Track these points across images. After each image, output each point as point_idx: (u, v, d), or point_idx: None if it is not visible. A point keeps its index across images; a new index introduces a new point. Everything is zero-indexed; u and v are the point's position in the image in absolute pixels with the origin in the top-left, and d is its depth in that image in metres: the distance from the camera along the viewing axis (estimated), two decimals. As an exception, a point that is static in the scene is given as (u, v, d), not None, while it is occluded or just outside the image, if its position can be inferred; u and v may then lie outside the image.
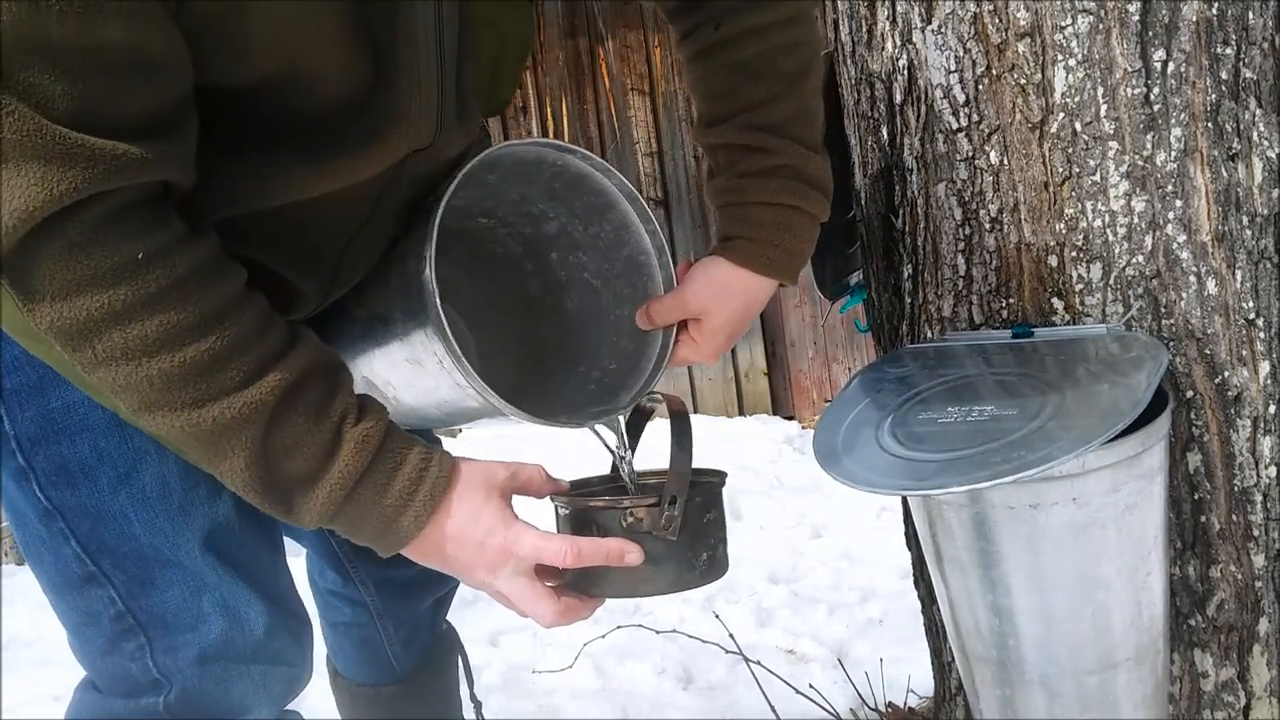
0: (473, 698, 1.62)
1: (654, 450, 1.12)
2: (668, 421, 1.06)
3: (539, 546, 0.96)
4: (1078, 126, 1.18)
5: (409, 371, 1.06)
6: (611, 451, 1.10)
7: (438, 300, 0.97)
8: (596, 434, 1.10)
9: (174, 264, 0.83)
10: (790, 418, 5.43)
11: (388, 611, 1.51)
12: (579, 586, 1.02)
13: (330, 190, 0.97)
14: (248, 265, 0.91)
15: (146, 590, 1.07)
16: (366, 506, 0.92)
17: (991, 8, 1.20)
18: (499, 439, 4.40)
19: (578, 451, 1.81)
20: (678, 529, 0.99)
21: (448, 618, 1.66)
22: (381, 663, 1.56)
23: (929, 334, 1.33)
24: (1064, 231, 1.21)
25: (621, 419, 1.12)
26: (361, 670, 1.58)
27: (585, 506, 1.02)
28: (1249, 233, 1.19)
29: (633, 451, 1.11)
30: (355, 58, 0.90)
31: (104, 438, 1.04)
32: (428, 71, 0.96)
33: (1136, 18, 1.15)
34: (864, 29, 1.35)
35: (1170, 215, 1.18)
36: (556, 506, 1.05)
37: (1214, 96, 1.17)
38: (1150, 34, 1.15)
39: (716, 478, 1.07)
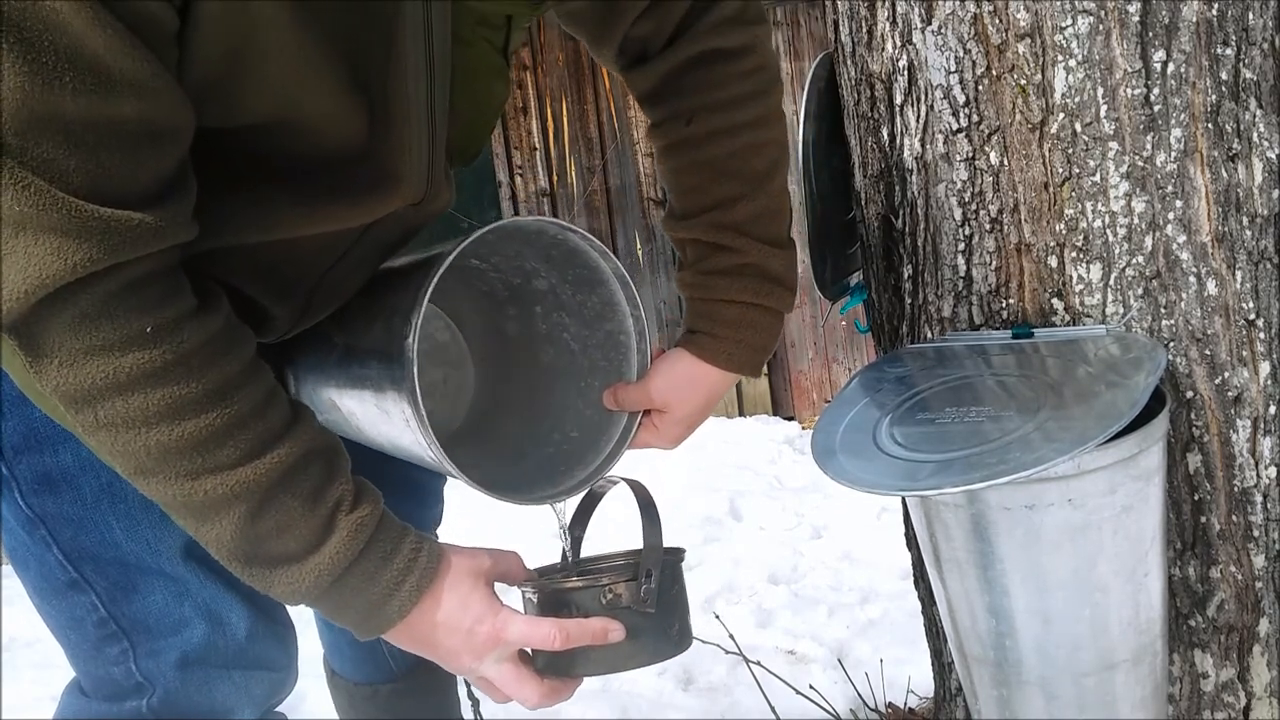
0: (470, 695, 1.62)
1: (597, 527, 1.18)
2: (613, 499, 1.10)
3: (526, 632, 0.99)
4: (1078, 127, 1.18)
5: (375, 414, 1.08)
6: (562, 528, 1.14)
7: (415, 371, 0.99)
8: (553, 509, 1.14)
9: (182, 339, 0.84)
10: (790, 418, 5.43)
11: None
12: (558, 668, 1.03)
13: (320, 232, 0.99)
14: (222, 288, 0.92)
15: (128, 596, 1.08)
16: (353, 592, 0.93)
17: (991, 8, 1.20)
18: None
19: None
20: (654, 601, 1.02)
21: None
22: (378, 660, 1.56)
23: (929, 334, 1.33)
24: (1064, 232, 1.21)
25: (570, 500, 1.15)
26: (358, 669, 1.58)
27: (562, 589, 1.04)
28: (1249, 233, 1.19)
29: (583, 529, 1.15)
30: (350, 114, 0.91)
31: (85, 447, 1.03)
32: (419, 130, 0.97)
33: (1136, 18, 1.15)
34: (864, 29, 1.35)
35: (1170, 216, 1.18)
36: (525, 593, 1.07)
37: (1214, 97, 1.17)
38: (1150, 34, 1.15)
39: (677, 553, 1.10)
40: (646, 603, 1.02)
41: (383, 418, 1.06)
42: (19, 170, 0.74)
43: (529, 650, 1.04)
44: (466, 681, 1.62)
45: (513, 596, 1.05)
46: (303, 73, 0.86)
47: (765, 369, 5.43)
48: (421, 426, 1.00)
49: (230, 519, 0.87)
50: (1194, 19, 1.15)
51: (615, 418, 1.22)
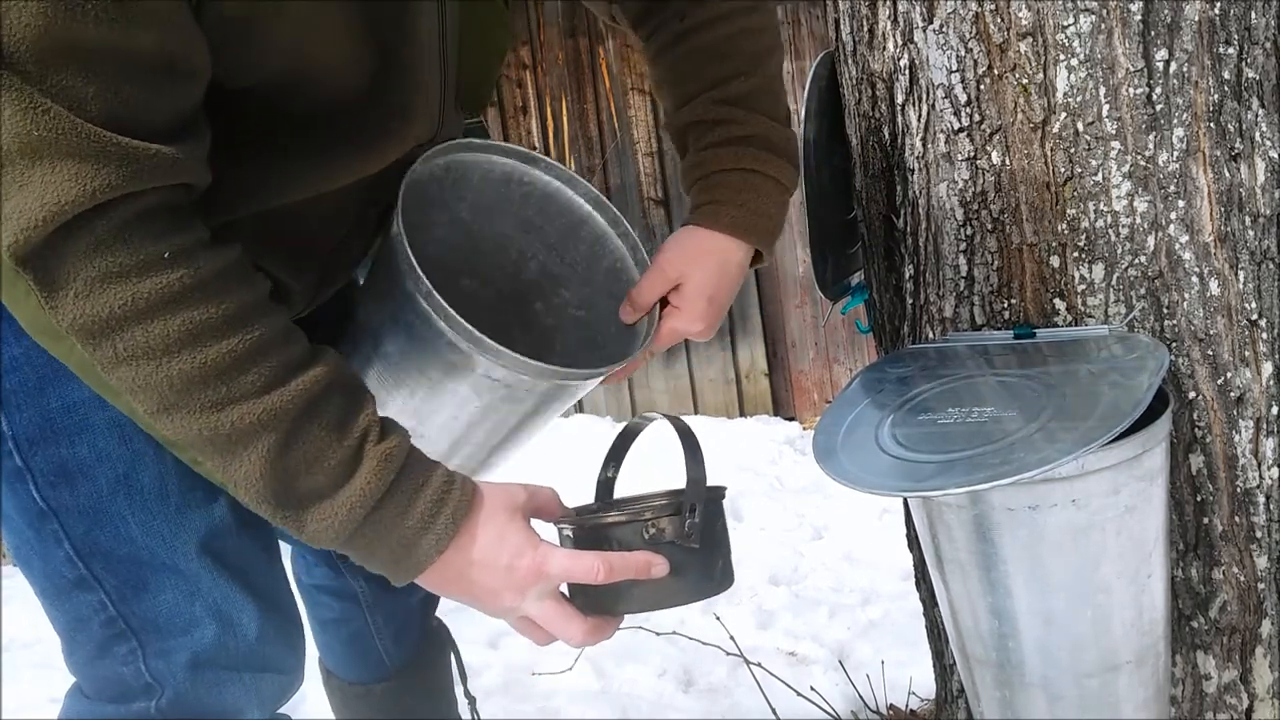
0: (467, 694, 1.62)
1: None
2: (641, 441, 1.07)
3: (568, 565, 0.95)
4: (1080, 126, 1.18)
5: (405, 343, 1.06)
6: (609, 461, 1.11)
7: (407, 245, 0.98)
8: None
9: (198, 264, 0.84)
10: (791, 419, 5.43)
11: (377, 603, 1.51)
12: (599, 607, 1.00)
13: (333, 188, 0.99)
14: None
15: (139, 594, 1.06)
16: (386, 528, 0.90)
17: (993, 7, 1.19)
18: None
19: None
20: (699, 537, 0.98)
21: (444, 620, 1.65)
22: (372, 658, 1.55)
23: (930, 334, 1.33)
24: (1066, 232, 1.20)
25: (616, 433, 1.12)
26: (352, 668, 1.57)
27: (602, 524, 1.00)
28: (1251, 233, 1.19)
29: (617, 470, 1.12)
30: (362, 56, 0.93)
31: (103, 438, 1.03)
32: (431, 70, 1.01)
33: (1139, 17, 1.14)
34: (865, 28, 1.35)
35: (1172, 216, 1.17)
36: (562, 530, 1.03)
37: (1216, 96, 1.16)
38: (1152, 33, 1.15)
39: (719, 491, 1.07)
40: (690, 537, 0.98)
41: (412, 343, 1.05)
42: (38, 96, 0.75)
43: (567, 593, 1.00)
44: (465, 680, 1.62)
45: (548, 535, 1.01)
46: (316, 20, 0.88)
47: (766, 369, 5.43)
48: (423, 292, 0.98)
49: (258, 452, 0.85)
50: (1196, 18, 1.15)
51: (637, 330, 1.19)
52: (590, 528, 1.00)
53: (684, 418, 1.17)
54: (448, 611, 1.65)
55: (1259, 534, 1.23)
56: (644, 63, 1.29)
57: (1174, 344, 1.19)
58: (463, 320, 1.01)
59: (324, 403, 0.88)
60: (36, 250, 0.79)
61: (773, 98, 1.20)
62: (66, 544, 1.05)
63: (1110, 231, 1.19)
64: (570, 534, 1.02)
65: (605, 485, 1.11)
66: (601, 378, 1.13)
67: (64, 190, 0.77)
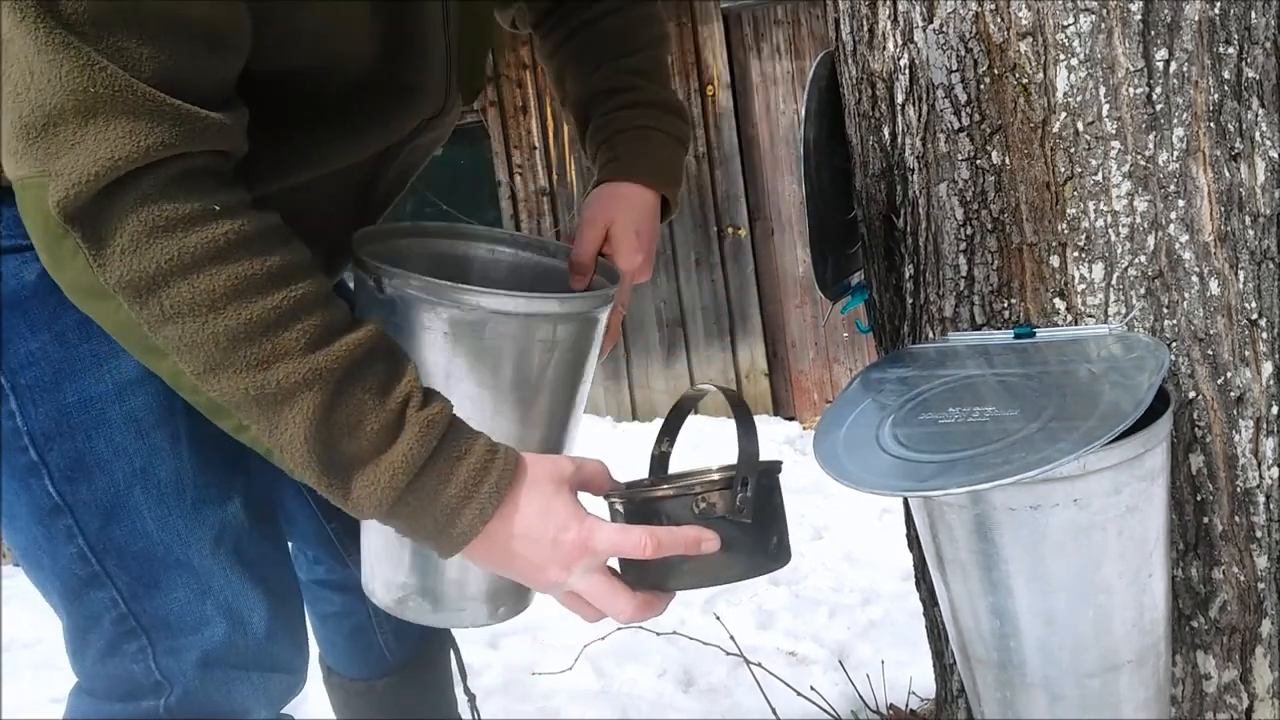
0: (466, 691, 1.62)
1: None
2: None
3: (616, 540, 0.93)
4: (1080, 126, 1.18)
5: (438, 375, 1.05)
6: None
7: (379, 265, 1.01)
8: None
9: (243, 222, 0.85)
10: (791, 418, 5.43)
11: None
12: (648, 583, 0.97)
13: (348, 162, 1.06)
14: None
15: (150, 592, 1.07)
16: (429, 497, 0.89)
17: (993, 7, 1.19)
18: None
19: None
20: (751, 511, 0.95)
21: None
22: (374, 653, 1.55)
23: (930, 334, 1.33)
24: (1066, 231, 1.20)
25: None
26: (354, 663, 1.57)
27: (651, 497, 0.97)
28: (1251, 233, 1.19)
29: (671, 443, 1.09)
30: (380, 34, 1.00)
31: (120, 433, 1.04)
32: (438, 52, 1.08)
33: (1139, 17, 1.14)
34: (865, 28, 1.35)
35: (1173, 215, 1.18)
36: (612, 504, 1.00)
37: (1216, 96, 1.16)
38: (1152, 33, 1.15)
39: (775, 465, 1.04)
40: (743, 512, 0.94)
41: (431, 349, 1.05)
42: (95, 55, 0.78)
43: (615, 569, 0.98)
44: (464, 677, 1.62)
45: (596, 510, 0.99)
46: (342, 2, 0.95)
47: (766, 369, 5.43)
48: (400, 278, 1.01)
49: (303, 413, 0.85)
50: (1196, 17, 1.15)
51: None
52: (639, 502, 0.97)
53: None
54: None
55: (1259, 534, 1.23)
56: (540, 58, 1.41)
57: (1174, 344, 1.19)
58: (439, 281, 1.01)
59: (366, 366, 0.88)
60: (85, 207, 0.80)
61: (665, 72, 1.34)
62: (80, 540, 1.05)
63: (1110, 231, 1.19)
64: (620, 508, 0.99)
65: (660, 460, 1.08)
66: (598, 306, 1.12)
67: (118, 147, 0.79)
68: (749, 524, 0.96)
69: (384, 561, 1.13)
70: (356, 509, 0.89)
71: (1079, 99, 1.17)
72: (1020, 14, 1.18)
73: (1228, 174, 1.17)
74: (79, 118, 0.78)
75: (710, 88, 5.66)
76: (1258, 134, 1.18)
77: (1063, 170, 1.19)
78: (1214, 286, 1.18)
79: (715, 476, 0.98)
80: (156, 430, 1.04)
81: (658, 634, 2.47)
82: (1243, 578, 1.23)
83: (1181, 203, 1.17)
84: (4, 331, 1.01)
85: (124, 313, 0.84)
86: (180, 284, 0.82)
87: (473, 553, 0.93)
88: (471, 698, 1.62)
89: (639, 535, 0.93)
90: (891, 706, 2.20)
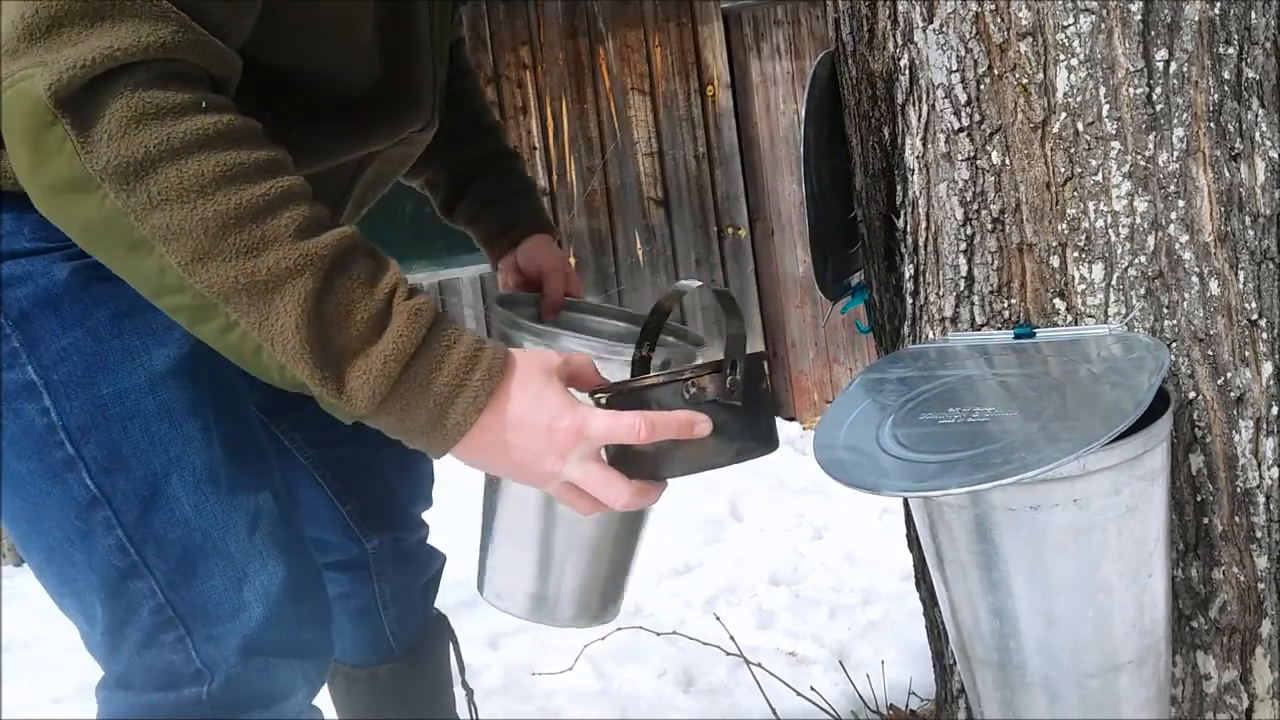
0: (464, 685, 1.62)
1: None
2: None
3: (609, 425, 0.92)
4: (1080, 126, 1.18)
5: None
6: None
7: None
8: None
9: (231, 119, 0.87)
10: (791, 419, 5.43)
11: (384, 574, 1.52)
12: (642, 471, 0.96)
13: (346, 159, 1.14)
14: None
15: (188, 580, 1.07)
16: (421, 386, 0.88)
17: (993, 7, 1.19)
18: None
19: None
20: (741, 393, 0.95)
21: (448, 619, 1.66)
22: (378, 639, 1.56)
23: (930, 334, 1.33)
24: (1066, 232, 1.20)
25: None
26: (358, 649, 1.58)
27: (640, 387, 0.96)
28: (1251, 233, 1.19)
29: (652, 348, 1.09)
30: (388, 45, 1.10)
31: (155, 423, 1.06)
32: (427, 66, 1.18)
33: (1139, 17, 1.14)
34: (865, 28, 1.35)
35: (1173, 215, 1.18)
36: (599, 400, 0.98)
37: (1216, 96, 1.16)
38: (1152, 33, 1.15)
39: (762, 353, 1.03)
40: (733, 394, 0.94)
41: None
42: None
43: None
44: (463, 671, 1.62)
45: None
46: (341, 18, 1.03)
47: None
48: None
49: (295, 300, 0.84)
50: (1196, 18, 1.15)
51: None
52: (629, 392, 0.96)
53: None
54: (449, 610, 1.66)
55: (1259, 534, 1.23)
56: (423, 175, 1.60)
57: (1174, 344, 1.19)
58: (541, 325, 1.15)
59: (353, 258, 0.88)
60: (77, 92, 0.81)
61: (506, 142, 1.65)
62: (119, 530, 1.05)
63: (1110, 231, 1.19)
64: (607, 404, 0.97)
65: (641, 364, 1.07)
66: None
67: (119, 39, 0.81)
68: (739, 407, 0.95)
69: (511, 571, 1.35)
70: (350, 403, 0.88)
71: (1079, 99, 1.17)
72: (1020, 14, 1.18)
73: (1228, 174, 1.17)
74: (86, 19, 0.80)
75: (710, 88, 5.66)
76: (1258, 134, 1.18)
77: (1063, 170, 1.19)
78: (1214, 287, 1.18)
79: (700, 364, 0.97)
80: (189, 421, 1.06)
81: (658, 634, 2.47)
82: (1243, 578, 1.23)
83: (1181, 203, 1.17)
84: (36, 330, 1.03)
85: (108, 204, 0.83)
86: (169, 169, 0.82)
87: (467, 446, 0.92)
88: (469, 693, 1.63)
89: (633, 419, 0.92)
90: (891, 706, 2.20)
